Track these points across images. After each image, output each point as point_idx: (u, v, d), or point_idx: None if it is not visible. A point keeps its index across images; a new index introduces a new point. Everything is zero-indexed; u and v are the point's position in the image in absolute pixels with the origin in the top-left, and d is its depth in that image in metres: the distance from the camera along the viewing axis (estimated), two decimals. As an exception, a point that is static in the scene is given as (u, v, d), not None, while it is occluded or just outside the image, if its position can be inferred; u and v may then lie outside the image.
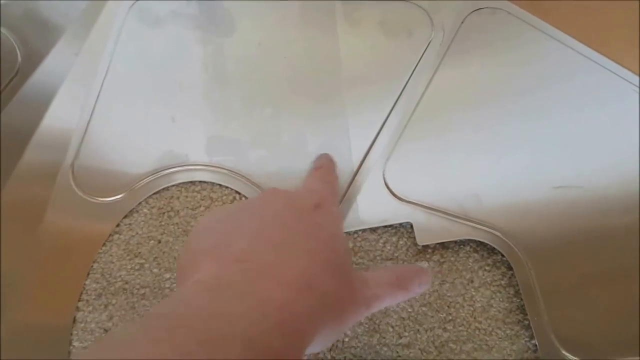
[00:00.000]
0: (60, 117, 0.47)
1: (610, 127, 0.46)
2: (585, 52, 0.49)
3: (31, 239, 0.44)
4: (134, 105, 0.48)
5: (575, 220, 0.44)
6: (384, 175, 0.46)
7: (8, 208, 0.44)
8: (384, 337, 0.43)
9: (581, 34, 0.50)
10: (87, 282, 0.44)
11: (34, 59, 0.48)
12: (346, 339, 0.43)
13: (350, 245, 0.45)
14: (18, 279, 0.43)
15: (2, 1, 0.50)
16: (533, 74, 0.49)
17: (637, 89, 0.47)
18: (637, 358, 0.41)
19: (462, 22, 0.51)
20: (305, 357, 0.39)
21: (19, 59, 0.48)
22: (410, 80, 0.49)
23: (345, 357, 0.42)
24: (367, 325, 0.43)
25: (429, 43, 0.50)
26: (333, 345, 0.42)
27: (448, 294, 0.44)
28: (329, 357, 0.42)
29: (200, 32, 0.50)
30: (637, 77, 0.47)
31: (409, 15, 0.51)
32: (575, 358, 0.41)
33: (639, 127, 0.46)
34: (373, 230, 0.46)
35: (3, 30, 0.49)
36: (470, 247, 0.45)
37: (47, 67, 0.48)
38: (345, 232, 0.45)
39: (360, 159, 0.47)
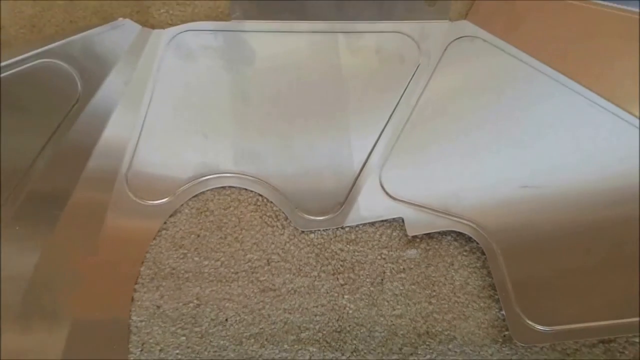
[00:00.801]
0: (115, 135, 0.57)
1: (566, 137, 0.56)
2: (549, 73, 0.57)
3: (95, 236, 0.54)
4: (174, 123, 0.58)
5: (536, 213, 0.54)
6: (380, 178, 0.56)
7: (75, 210, 0.54)
8: (381, 310, 0.53)
9: (547, 58, 0.59)
10: (142, 269, 0.54)
11: (92, 88, 0.58)
12: (350, 311, 0.53)
13: (352, 237, 0.55)
14: (84, 269, 0.53)
15: (64, 40, 0.59)
16: (505, 92, 0.58)
17: (591, 104, 0.56)
18: (591, 324, 0.51)
19: (446, 49, 0.60)
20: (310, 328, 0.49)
21: (79, 88, 0.57)
22: (402, 99, 0.59)
23: (349, 325, 0.52)
24: (366, 300, 0.53)
25: (418, 67, 0.59)
26: (339, 315, 0.53)
27: (433, 275, 0.54)
28: (336, 325, 0.53)
29: (226, 61, 0.60)
30: (592, 93, 0.56)
31: (401, 44, 0.60)
32: (535, 324, 0.51)
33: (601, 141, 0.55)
34: (371, 224, 0.56)
35: (65, 64, 0.59)
36: (451, 236, 0.55)
37: (103, 94, 0.58)
38: (348, 226, 0.55)
39: (361, 165, 0.57)
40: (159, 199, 0.56)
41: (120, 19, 0.59)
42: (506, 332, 0.52)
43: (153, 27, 0.61)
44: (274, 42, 0.61)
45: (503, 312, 0.52)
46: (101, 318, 0.53)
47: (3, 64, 0.56)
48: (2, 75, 0.56)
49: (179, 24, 0.60)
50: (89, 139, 0.57)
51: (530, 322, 0.51)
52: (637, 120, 0.55)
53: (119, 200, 0.55)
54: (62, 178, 0.55)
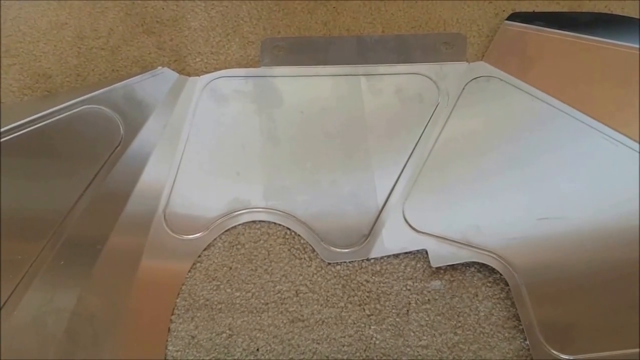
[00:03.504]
0: (154, 174, 0.61)
1: (583, 171, 0.57)
2: (564, 109, 0.60)
3: (131, 278, 0.57)
4: (209, 163, 0.62)
5: (556, 244, 0.55)
6: (403, 212, 0.59)
7: (111, 253, 0.57)
8: (407, 340, 0.55)
9: (562, 95, 0.61)
10: (177, 300, 0.57)
11: (133, 131, 0.62)
12: (377, 342, 0.54)
13: (378, 268, 0.57)
14: (122, 303, 0.56)
15: (107, 87, 0.64)
16: (521, 129, 0.60)
17: (607, 138, 0.58)
18: (615, 352, 0.51)
19: (463, 89, 0.63)
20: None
21: (122, 131, 0.62)
22: (422, 136, 0.61)
23: (376, 356, 0.54)
24: (392, 331, 0.55)
25: (437, 106, 0.63)
26: (366, 346, 0.54)
27: (457, 306, 0.56)
28: (363, 356, 0.54)
29: (256, 105, 0.64)
30: (607, 128, 0.58)
31: (420, 84, 0.64)
32: (559, 353, 0.52)
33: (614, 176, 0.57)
34: (396, 256, 0.58)
35: (109, 110, 0.63)
36: (475, 268, 0.57)
37: (143, 137, 0.62)
38: (373, 258, 0.57)
39: (384, 199, 0.59)
40: (194, 234, 0.59)
41: (159, 67, 0.64)
42: (531, 362, 0.53)
43: (189, 74, 0.66)
44: (301, 86, 0.65)
45: (527, 342, 0.53)
46: (139, 348, 0.55)
47: (51, 110, 0.61)
48: (50, 121, 0.60)
49: (212, 71, 0.65)
50: (127, 183, 0.60)
51: (554, 352, 0.52)
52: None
53: (157, 235, 0.59)
54: (100, 223, 0.58)
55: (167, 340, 0.55)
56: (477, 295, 0.56)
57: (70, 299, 0.54)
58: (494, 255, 0.56)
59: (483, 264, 0.56)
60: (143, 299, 0.57)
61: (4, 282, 0.54)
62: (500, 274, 0.55)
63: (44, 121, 0.60)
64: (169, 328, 0.56)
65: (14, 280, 0.54)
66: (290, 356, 0.55)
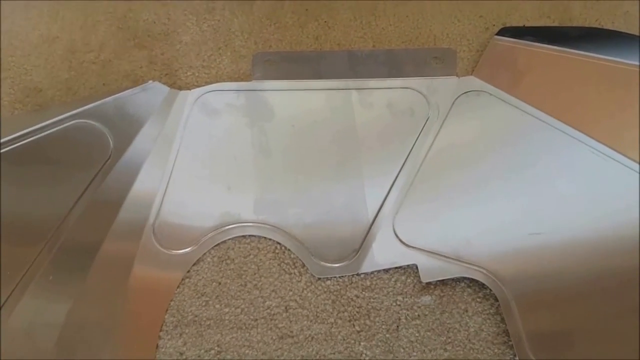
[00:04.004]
0: (143, 189, 0.61)
1: (572, 185, 0.58)
2: (552, 123, 0.60)
3: (122, 285, 0.57)
4: (199, 177, 0.62)
5: (545, 259, 0.55)
6: (393, 226, 0.59)
7: (105, 260, 0.57)
8: (397, 356, 0.54)
9: (550, 109, 0.61)
10: (166, 317, 0.57)
11: (123, 145, 0.61)
12: (367, 358, 0.54)
13: (368, 283, 0.57)
14: (112, 316, 0.56)
15: (98, 101, 0.64)
16: (511, 143, 0.60)
17: (595, 152, 0.58)
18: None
19: (453, 103, 0.63)
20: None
21: (112, 145, 0.61)
22: (412, 150, 0.61)
23: (366, 372, 0.54)
24: (382, 347, 0.55)
25: (427, 120, 0.63)
26: (356, 362, 0.54)
27: (447, 321, 0.55)
28: (353, 372, 0.54)
29: (248, 118, 0.64)
30: (595, 142, 0.58)
31: (411, 98, 0.64)
32: (549, 370, 0.51)
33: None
34: (386, 271, 0.58)
35: (99, 124, 0.63)
36: (465, 283, 0.57)
37: (133, 151, 0.61)
38: (363, 273, 0.57)
39: (374, 213, 0.59)
40: (183, 249, 0.59)
41: (150, 81, 0.64)
42: (522, 379, 0.53)
43: (180, 88, 0.66)
44: (292, 99, 0.65)
45: (517, 358, 0.52)
46: (135, 338, 0.55)
47: (42, 124, 0.60)
48: (40, 135, 0.60)
49: (204, 85, 0.65)
50: (119, 192, 0.60)
51: (544, 368, 0.51)
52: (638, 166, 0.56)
53: (146, 250, 0.58)
54: (94, 230, 0.58)
55: (154, 357, 0.55)
56: (467, 311, 0.56)
57: (63, 306, 0.54)
58: (484, 271, 0.56)
59: (473, 280, 0.56)
60: (132, 315, 0.56)
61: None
62: (490, 290, 0.55)
63: (34, 135, 0.59)
64: (157, 344, 0.55)
65: (9, 286, 0.54)
66: (279, 373, 0.54)
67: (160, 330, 0.56)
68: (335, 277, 0.58)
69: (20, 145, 0.59)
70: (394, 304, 0.56)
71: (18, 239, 0.57)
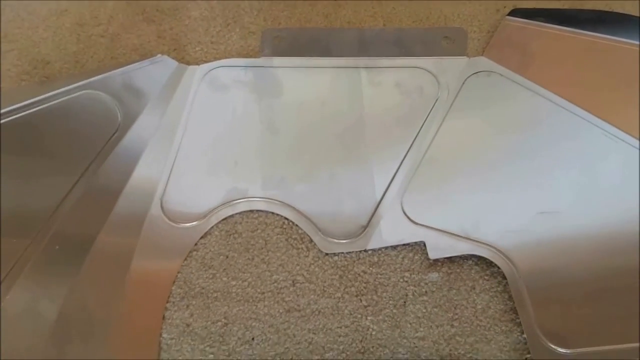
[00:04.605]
0: (151, 161, 0.60)
1: (583, 167, 0.57)
2: (563, 104, 0.60)
3: (121, 279, 0.56)
4: (207, 152, 0.61)
5: (554, 237, 0.55)
6: (401, 204, 0.58)
7: (101, 252, 0.56)
8: (404, 332, 0.54)
9: (561, 90, 0.61)
10: (173, 288, 0.57)
11: (130, 118, 0.61)
12: (373, 332, 0.54)
13: (375, 259, 0.57)
14: (114, 297, 0.55)
15: (105, 73, 0.63)
16: (520, 124, 0.60)
17: (606, 133, 0.58)
18: (613, 346, 0.51)
19: (463, 83, 0.63)
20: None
21: (119, 118, 0.61)
22: (421, 129, 0.61)
23: (372, 346, 0.54)
24: (389, 322, 0.55)
25: (437, 100, 0.63)
26: (362, 336, 0.54)
27: (455, 298, 0.55)
28: (359, 346, 0.54)
29: (256, 95, 0.64)
30: (606, 123, 0.58)
31: (420, 78, 0.64)
32: (556, 347, 0.51)
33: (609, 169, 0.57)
34: (393, 247, 0.58)
35: (107, 96, 0.62)
36: (472, 260, 0.57)
37: (140, 125, 0.61)
38: (370, 249, 0.57)
39: (383, 191, 0.59)
40: (191, 222, 0.59)
41: (159, 55, 0.64)
42: (528, 355, 0.53)
43: (189, 63, 0.65)
44: (301, 77, 0.64)
45: (524, 335, 0.52)
46: (133, 334, 0.54)
47: (49, 94, 0.60)
48: (47, 105, 0.60)
49: (212, 61, 0.65)
50: (126, 167, 0.59)
51: (551, 345, 0.52)
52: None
53: (154, 223, 0.58)
54: (95, 213, 0.57)
55: (161, 328, 0.55)
56: (474, 288, 0.56)
57: (60, 291, 0.54)
58: (492, 249, 0.56)
59: (481, 257, 0.56)
60: (136, 290, 0.56)
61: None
62: (498, 267, 0.55)
63: (41, 105, 0.59)
64: (163, 316, 0.55)
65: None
66: (285, 346, 0.54)
67: (167, 302, 0.56)
68: (342, 253, 0.57)
69: (26, 114, 0.59)
70: (402, 280, 0.56)
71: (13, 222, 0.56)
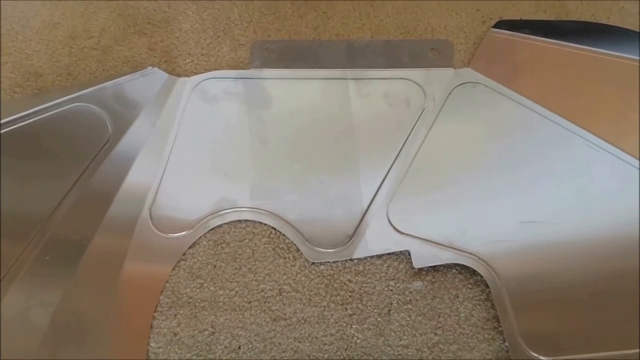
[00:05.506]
0: (141, 172, 0.61)
1: (566, 178, 0.58)
2: (548, 115, 0.61)
3: (114, 281, 0.57)
4: (197, 163, 0.62)
5: (538, 247, 0.56)
6: (387, 214, 0.59)
7: (95, 254, 0.57)
8: (388, 340, 0.55)
9: (546, 102, 0.62)
10: (161, 298, 0.57)
11: (121, 130, 0.62)
12: (358, 341, 0.55)
13: (361, 268, 0.58)
14: (107, 301, 0.56)
15: (97, 86, 0.64)
16: (505, 134, 0.61)
17: (590, 144, 0.59)
18: (593, 355, 0.52)
19: (449, 94, 0.64)
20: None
21: (110, 130, 0.62)
22: (408, 140, 0.62)
23: (357, 355, 0.54)
24: (374, 330, 0.55)
25: (423, 110, 0.63)
26: (347, 345, 0.55)
27: (438, 306, 0.56)
28: (344, 355, 0.54)
29: (246, 106, 0.65)
30: (591, 135, 0.59)
31: (407, 89, 0.65)
32: (538, 355, 0.52)
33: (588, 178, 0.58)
34: (379, 256, 0.59)
35: (97, 108, 0.63)
36: (456, 269, 0.58)
37: (131, 136, 0.62)
38: (356, 258, 0.58)
39: (369, 201, 0.60)
40: (179, 232, 0.59)
41: (149, 67, 0.65)
42: (510, 363, 0.54)
43: (179, 75, 0.66)
44: (290, 88, 0.66)
45: (507, 343, 0.53)
46: (121, 344, 0.55)
47: (41, 107, 0.61)
48: (39, 118, 0.61)
49: (202, 72, 0.66)
50: (115, 179, 0.60)
51: (533, 354, 0.52)
52: (638, 162, 0.57)
53: (142, 233, 0.59)
54: (87, 218, 0.58)
55: (149, 337, 0.55)
56: (457, 297, 0.56)
57: (55, 294, 0.55)
58: (476, 258, 0.56)
59: (464, 266, 0.57)
60: (127, 296, 0.57)
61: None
62: (481, 276, 0.56)
63: (33, 118, 0.60)
64: (151, 325, 0.56)
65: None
66: (271, 354, 0.55)
67: (155, 311, 0.57)
68: (329, 262, 0.58)
69: (18, 127, 0.60)
70: (386, 288, 0.57)
71: (8, 228, 0.57)
